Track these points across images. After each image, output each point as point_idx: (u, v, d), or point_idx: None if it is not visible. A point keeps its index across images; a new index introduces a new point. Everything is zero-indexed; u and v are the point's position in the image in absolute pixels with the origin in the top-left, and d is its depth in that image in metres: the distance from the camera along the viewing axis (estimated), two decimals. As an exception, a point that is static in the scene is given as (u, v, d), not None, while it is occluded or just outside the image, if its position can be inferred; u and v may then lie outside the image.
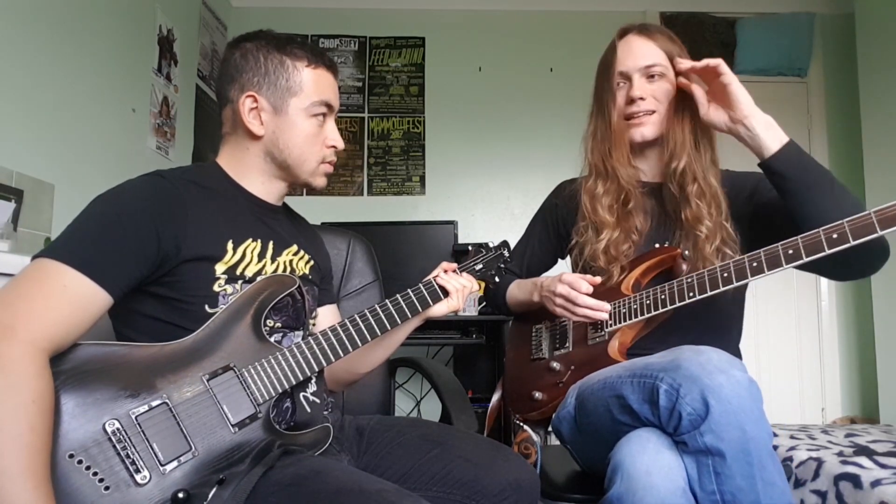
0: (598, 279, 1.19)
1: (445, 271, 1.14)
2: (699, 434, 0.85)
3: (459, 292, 1.13)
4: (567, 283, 1.18)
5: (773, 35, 3.33)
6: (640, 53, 1.19)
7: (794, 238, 0.96)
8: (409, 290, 1.09)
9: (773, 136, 1.05)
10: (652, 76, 1.18)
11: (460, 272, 1.16)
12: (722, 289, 1.04)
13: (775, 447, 1.73)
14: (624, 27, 1.24)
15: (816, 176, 1.03)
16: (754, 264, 1.00)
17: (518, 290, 1.37)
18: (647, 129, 1.20)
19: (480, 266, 1.20)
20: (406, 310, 1.07)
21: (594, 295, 1.19)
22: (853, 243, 0.91)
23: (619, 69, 1.21)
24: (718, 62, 1.07)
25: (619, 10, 3.33)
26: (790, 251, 0.96)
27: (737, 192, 1.19)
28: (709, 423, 0.84)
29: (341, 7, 3.36)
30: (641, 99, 1.18)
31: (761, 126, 1.06)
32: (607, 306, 1.15)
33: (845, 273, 1.10)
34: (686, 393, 0.86)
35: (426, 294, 1.10)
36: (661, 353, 1.00)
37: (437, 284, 1.12)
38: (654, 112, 1.19)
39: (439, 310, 1.13)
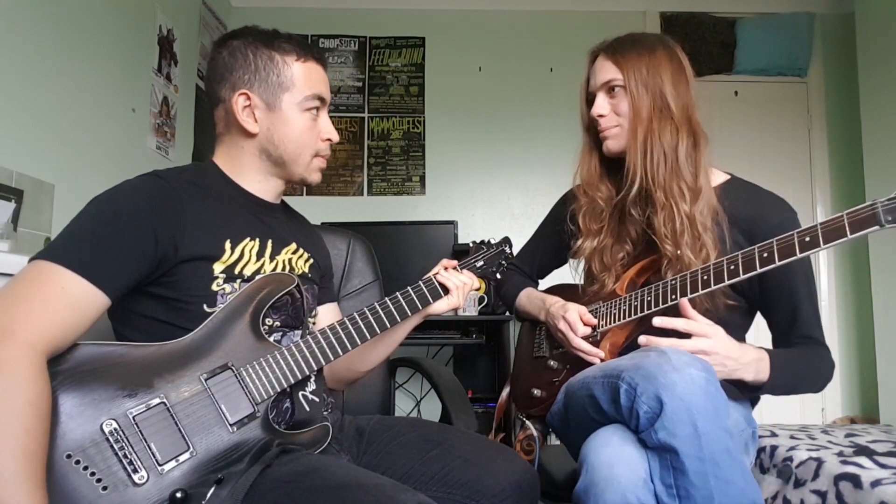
0: (595, 321, 1.20)
1: (446, 268, 1.14)
2: (654, 431, 0.87)
3: (460, 289, 1.13)
4: (567, 323, 1.20)
5: (773, 35, 3.33)
6: (601, 72, 1.21)
7: (770, 241, 0.97)
8: (408, 288, 1.09)
9: (758, 373, 1.05)
10: (612, 90, 1.19)
11: (461, 269, 1.16)
12: (702, 291, 1.04)
13: (775, 447, 1.74)
14: (593, 49, 1.26)
15: (798, 378, 1.11)
16: (731, 267, 1.01)
17: (528, 303, 1.40)
18: (611, 143, 1.21)
19: (481, 263, 1.20)
20: (406, 307, 1.07)
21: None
22: (823, 247, 0.91)
23: (589, 90, 1.25)
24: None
25: (619, 9, 3.33)
26: (765, 254, 0.97)
27: (745, 214, 1.16)
28: (662, 419, 0.86)
29: (341, 7, 3.36)
30: (601, 116, 1.20)
31: (750, 374, 1.04)
32: (601, 353, 1.16)
33: None
34: (643, 392, 0.88)
35: (426, 291, 1.10)
36: (633, 353, 1.02)
37: (438, 282, 1.11)
38: (618, 125, 1.20)
39: (440, 307, 1.13)
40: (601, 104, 1.20)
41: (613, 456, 0.90)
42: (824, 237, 0.91)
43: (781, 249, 0.95)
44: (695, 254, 1.11)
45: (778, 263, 0.95)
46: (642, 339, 1.03)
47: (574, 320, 1.19)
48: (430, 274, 1.13)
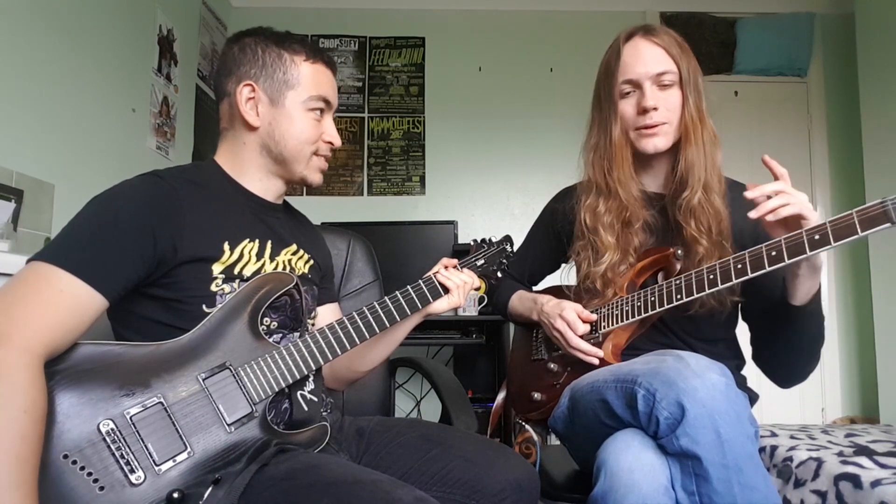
0: (595, 317, 1.18)
1: (446, 267, 1.13)
2: (675, 437, 0.86)
3: (460, 289, 1.12)
4: (566, 321, 1.17)
5: (773, 35, 3.32)
6: (651, 59, 1.12)
7: (778, 239, 0.95)
8: (408, 287, 1.08)
9: (813, 286, 1.01)
10: (664, 85, 1.12)
11: (461, 268, 1.15)
12: (708, 291, 1.03)
13: (775, 447, 1.74)
14: (629, 30, 1.17)
15: (817, 325, 1.06)
16: (738, 266, 0.99)
17: (519, 304, 1.37)
18: (660, 140, 1.13)
19: (482, 262, 1.19)
20: (405, 307, 1.07)
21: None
22: (834, 245, 0.89)
23: (628, 76, 1.13)
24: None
25: (619, 10, 3.33)
26: (773, 253, 0.95)
27: (739, 216, 1.14)
28: (684, 426, 0.85)
29: (341, 7, 3.36)
30: (654, 109, 1.11)
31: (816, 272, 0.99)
32: (599, 353, 1.14)
33: (792, 368, 1.14)
34: (662, 397, 0.87)
35: (426, 290, 1.10)
36: (646, 357, 1.01)
37: (438, 281, 1.11)
38: (666, 123, 1.13)
39: (440, 306, 1.13)
40: (654, 95, 1.11)
41: (633, 461, 0.88)
42: (834, 235, 0.89)
43: (790, 248, 0.93)
44: (724, 248, 1.10)
45: (787, 262, 0.93)
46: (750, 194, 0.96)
47: (573, 319, 1.16)
48: (431, 273, 1.13)
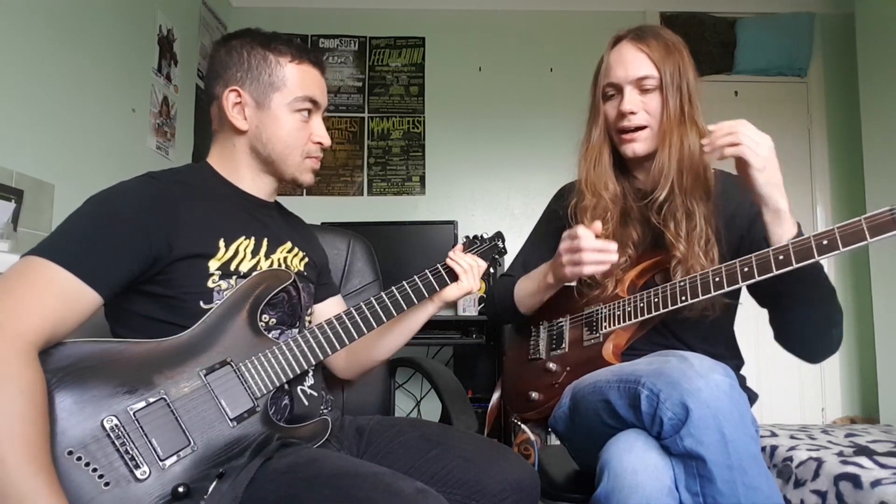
0: (599, 225, 1.13)
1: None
2: (679, 438, 0.86)
3: (468, 272, 1.12)
4: (567, 237, 1.13)
5: (773, 35, 3.33)
6: (632, 64, 1.13)
7: (785, 244, 0.95)
8: (415, 277, 1.10)
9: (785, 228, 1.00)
10: (645, 89, 1.14)
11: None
12: (713, 293, 1.03)
13: (775, 447, 1.74)
14: (618, 34, 1.19)
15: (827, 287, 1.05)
16: (745, 269, 0.99)
17: (526, 283, 1.31)
18: (638, 146, 1.16)
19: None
20: (402, 303, 1.08)
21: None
22: (842, 251, 0.90)
23: (610, 80, 1.17)
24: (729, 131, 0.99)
25: (619, 10, 3.33)
26: (780, 257, 0.95)
27: (734, 207, 1.16)
28: (688, 426, 0.85)
29: (341, 7, 3.36)
30: (632, 113, 1.14)
31: (771, 214, 1.00)
32: (614, 245, 1.10)
33: (814, 345, 1.11)
34: (666, 398, 0.87)
35: (432, 279, 1.11)
36: (650, 358, 1.01)
37: (446, 266, 1.12)
38: (646, 127, 1.15)
39: (451, 293, 1.13)
40: (632, 100, 1.14)
41: (637, 462, 0.88)
42: (843, 240, 0.90)
43: (798, 252, 0.94)
44: (705, 254, 1.10)
45: (794, 266, 0.94)
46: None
47: (571, 231, 1.12)
48: (438, 264, 1.13)
